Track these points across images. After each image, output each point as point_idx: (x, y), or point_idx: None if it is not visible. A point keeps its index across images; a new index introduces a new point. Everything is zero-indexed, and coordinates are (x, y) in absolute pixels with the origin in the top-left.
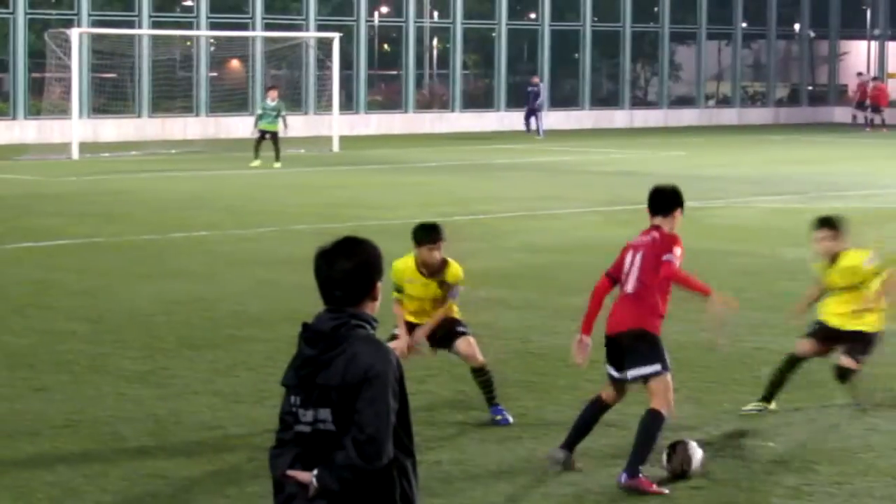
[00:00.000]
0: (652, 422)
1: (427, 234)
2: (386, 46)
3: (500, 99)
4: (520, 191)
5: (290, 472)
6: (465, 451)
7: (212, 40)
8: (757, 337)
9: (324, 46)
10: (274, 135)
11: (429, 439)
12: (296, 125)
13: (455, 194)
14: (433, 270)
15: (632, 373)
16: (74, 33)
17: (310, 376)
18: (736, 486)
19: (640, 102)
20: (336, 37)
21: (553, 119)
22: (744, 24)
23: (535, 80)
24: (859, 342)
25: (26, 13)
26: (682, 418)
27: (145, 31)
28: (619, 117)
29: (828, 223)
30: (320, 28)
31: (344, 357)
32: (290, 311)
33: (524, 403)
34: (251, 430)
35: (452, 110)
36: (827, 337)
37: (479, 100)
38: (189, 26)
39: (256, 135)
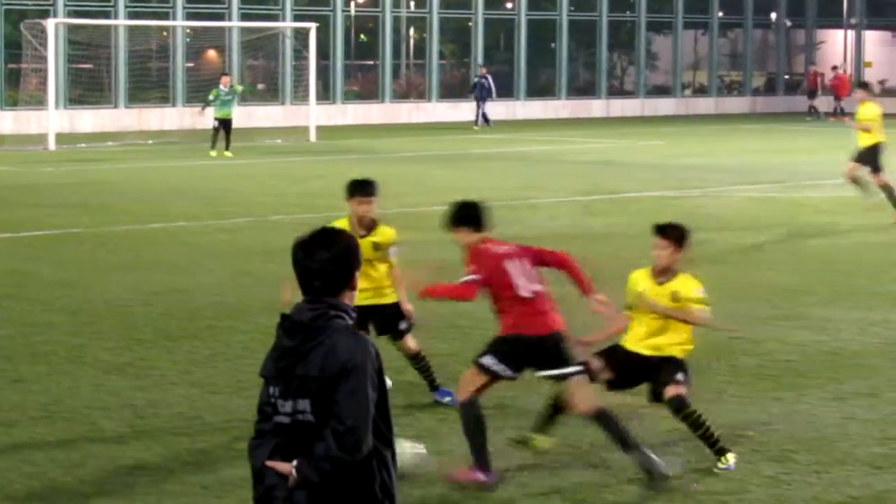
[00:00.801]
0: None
1: (360, 187)
2: (363, 36)
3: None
4: (497, 180)
5: (270, 463)
6: (445, 441)
7: (188, 31)
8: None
9: (300, 37)
10: (226, 123)
11: (406, 428)
12: (273, 115)
13: (432, 184)
14: (366, 226)
15: (554, 372)
16: (51, 24)
17: (289, 367)
18: (714, 475)
19: (617, 92)
20: (313, 27)
21: (530, 109)
22: (720, 14)
23: (483, 70)
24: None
25: (2, 3)
26: (660, 408)
27: (122, 22)
28: (596, 107)
29: (665, 232)
30: (297, 18)
31: (323, 348)
32: (268, 301)
33: (501, 393)
34: (228, 419)
35: (429, 100)
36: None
37: (455, 90)
38: (166, 16)
39: (214, 124)
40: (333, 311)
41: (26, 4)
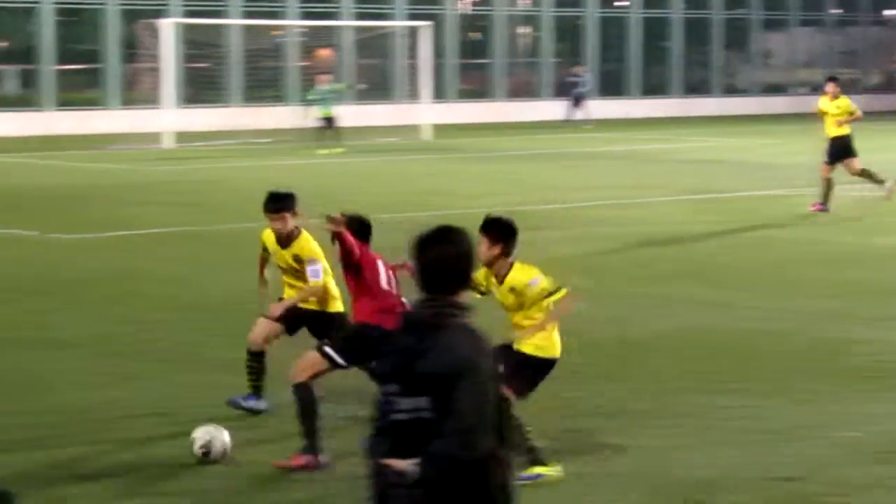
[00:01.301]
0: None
1: (267, 203)
2: (475, 35)
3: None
4: (607, 179)
5: (387, 461)
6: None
7: (301, 30)
8: (838, 326)
9: (413, 35)
10: (329, 121)
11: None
12: (384, 114)
13: (542, 183)
14: (282, 240)
15: None
16: (166, 24)
17: (407, 365)
18: (822, 482)
19: (730, 90)
20: (425, 26)
21: (642, 107)
22: (836, 11)
23: (579, 69)
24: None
25: (118, 4)
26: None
27: (236, 21)
28: (709, 105)
29: (489, 227)
30: (410, 17)
31: (441, 346)
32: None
33: (611, 395)
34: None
35: (541, 98)
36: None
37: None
38: (279, 16)
39: (317, 123)
40: (451, 309)
41: (142, 5)
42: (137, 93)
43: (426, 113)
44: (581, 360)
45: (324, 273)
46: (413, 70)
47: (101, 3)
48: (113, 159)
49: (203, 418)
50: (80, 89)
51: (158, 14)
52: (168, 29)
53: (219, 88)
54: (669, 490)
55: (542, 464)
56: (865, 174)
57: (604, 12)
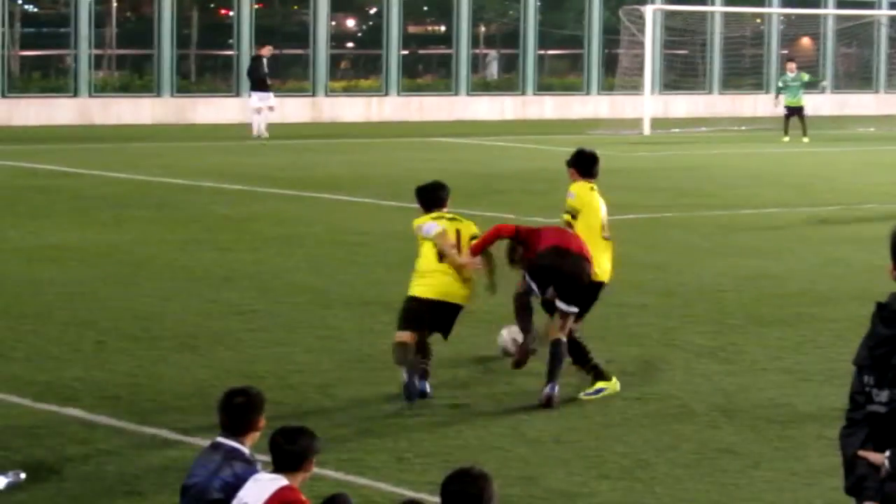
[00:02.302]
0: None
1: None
2: None
3: None
4: None
5: (862, 453)
6: None
7: (783, 17)
8: None
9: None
10: (797, 110)
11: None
12: (866, 103)
13: None
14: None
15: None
16: (649, 10)
17: (885, 356)
18: None
19: None
20: None
21: None
22: None
23: None
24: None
25: None
26: None
27: (718, 9)
28: None
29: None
30: (892, 6)
31: None
32: (860, 290)
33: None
34: (819, 407)
35: None
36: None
37: None
38: (761, 3)
39: (783, 111)
40: None
41: None
42: (619, 78)
43: None
44: None
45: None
46: (894, 59)
47: None
48: (594, 144)
49: (680, 403)
50: (562, 74)
51: (642, 1)
52: (651, 15)
53: (698, 75)
54: None
55: (606, 379)
56: None
57: None
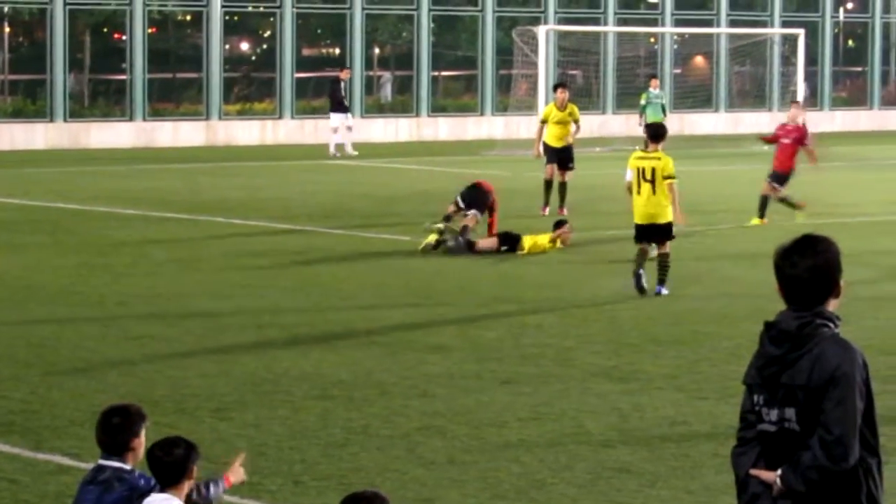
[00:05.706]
0: None
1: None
2: (851, 42)
3: None
4: None
5: (754, 472)
6: None
7: (676, 37)
8: None
9: (788, 43)
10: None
11: (893, 439)
12: (760, 121)
13: None
14: None
15: None
16: (541, 30)
17: (775, 375)
18: None
19: None
20: (801, 33)
21: None
22: None
23: None
24: None
25: (494, 11)
26: None
27: (611, 29)
28: None
29: None
30: (785, 24)
31: (810, 357)
32: (753, 308)
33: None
34: (715, 426)
35: None
36: None
37: None
38: (655, 23)
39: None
40: (819, 320)
41: (518, 12)
42: (512, 99)
43: (801, 120)
44: None
45: None
46: (787, 77)
47: (479, 11)
48: (489, 165)
49: (575, 423)
50: (457, 95)
51: (534, 21)
52: (544, 35)
53: (592, 95)
54: None
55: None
56: None
57: None
